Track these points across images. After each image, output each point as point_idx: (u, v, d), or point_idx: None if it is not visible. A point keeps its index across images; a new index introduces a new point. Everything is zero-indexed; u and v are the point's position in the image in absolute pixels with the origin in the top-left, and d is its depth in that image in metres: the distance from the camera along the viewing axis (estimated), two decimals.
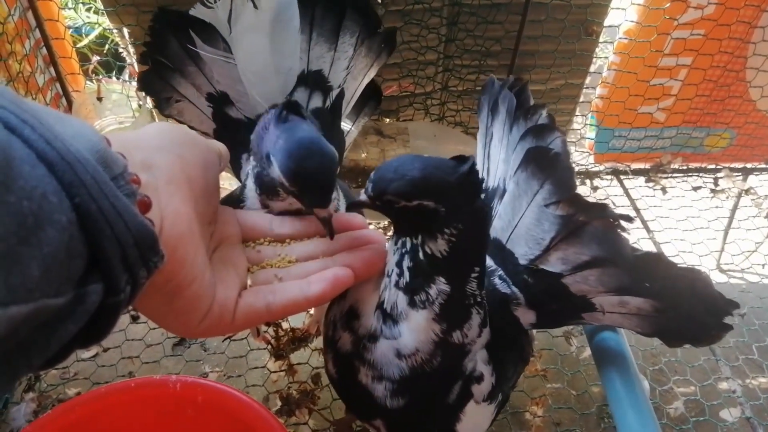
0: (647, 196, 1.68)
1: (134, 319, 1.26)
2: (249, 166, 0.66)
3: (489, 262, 0.72)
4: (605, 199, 1.66)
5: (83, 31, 1.89)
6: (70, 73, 1.37)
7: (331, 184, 0.50)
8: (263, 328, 1.12)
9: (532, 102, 0.73)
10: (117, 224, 0.31)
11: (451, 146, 1.38)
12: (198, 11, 0.80)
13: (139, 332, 1.24)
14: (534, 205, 0.66)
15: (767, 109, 1.61)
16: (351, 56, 0.87)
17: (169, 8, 0.82)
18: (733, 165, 1.74)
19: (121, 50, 1.42)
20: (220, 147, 0.51)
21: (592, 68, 1.52)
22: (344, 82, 0.87)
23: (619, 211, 0.62)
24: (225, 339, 1.24)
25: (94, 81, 1.58)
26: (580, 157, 1.72)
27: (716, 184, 1.72)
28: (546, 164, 0.64)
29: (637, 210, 1.62)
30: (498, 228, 0.72)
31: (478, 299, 0.59)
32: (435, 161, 0.53)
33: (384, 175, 0.51)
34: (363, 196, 0.54)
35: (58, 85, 1.35)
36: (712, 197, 1.69)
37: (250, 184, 0.64)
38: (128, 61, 1.39)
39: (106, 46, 1.83)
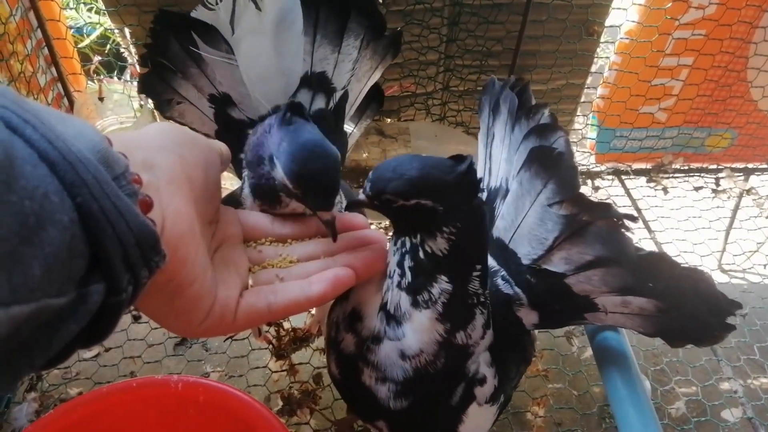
0: (649, 196, 1.68)
1: (136, 318, 1.26)
2: (244, 172, 0.66)
3: (492, 262, 0.72)
4: (606, 199, 1.66)
5: (85, 31, 1.90)
6: (71, 73, 1.38)
7: (336, 186, 0.50)
8: (264, 327, 1.12)
9: (533, 102, 0.73)
10: (119, 224, 0.31)
11: (452, 146, 1.38)
12: (200, 13, 0.79)
13: (141, 332, 1.24)
14: (537, 204, 0.65)
15: None
16: (355, 58, 0.86)
17: (170, 10, 0.82)
18: (734, 165, 1.74)
19: (122, 50, 1.43)
20: (221, 147, 0.51)
21: (594, 68, 1.52)
22: (348, 84, 0.87)
23: (622, 210, 0.61)
24: (226, 339, 1.24)
25: (95, 81, 1.58)
26: (582, 158, 1.72)
27: (718, 185, 1.71)
28: (549, 164, 0.64)
29: (638, 210, 1.62)
30: (501, 228, 0.71)
31: (482, 299, 0.58)
32: (432, 160, 0.53)
33: (382, 174, 0.51)
34: (362, 196, 0.54)
35: (59, 85, 1.35)
36: (714, 197, 1.68)
37: (246, 192, 0.64)
38: (129, 61, 1.40)
39: (108, 46, 1.83)
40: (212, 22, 0.80)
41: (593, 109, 1.63)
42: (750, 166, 1.76)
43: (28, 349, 0.29)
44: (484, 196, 0.77)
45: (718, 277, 1.54)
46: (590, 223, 0.62)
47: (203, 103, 0.84)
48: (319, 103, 0.84)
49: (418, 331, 0.56)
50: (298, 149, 0.48)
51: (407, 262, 0.55)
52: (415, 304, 0.55)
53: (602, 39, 1.45)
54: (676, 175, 1.74)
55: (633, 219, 0.61)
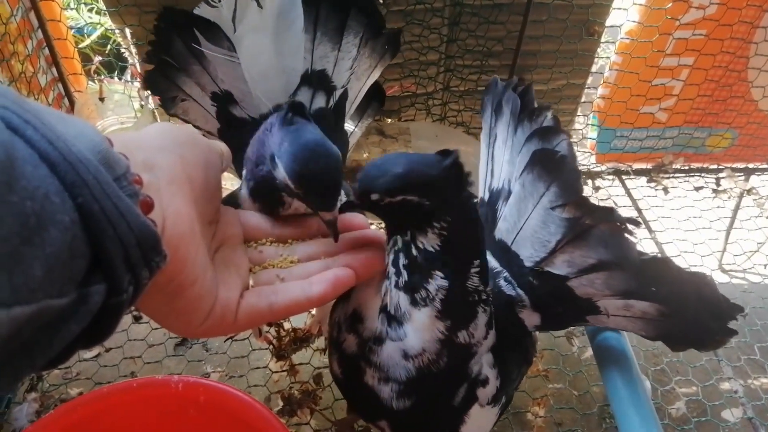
0: (649, 196, 1.68)
1: (137, 319, 1.26)
2: (244, 170, 0.66)
3: (494, 263, 0.72)
4: (607, 199, 1.66)
5: (85, 31, 1.90)
6: (72, 74, 1.38)
7: (338, 186, 0.50)
8: (265, 328, 1.12)
9: (536, 104, 0.72)
10: (119, 224, 0.31)
11: (452, 146, 1.37)
12: (202, 10, 0.80)
13: (141, 332, 1.24)
14: (540, 207, 0.65)
15: None
16: (355, 56, 0.87)
17: (174, 8, 0.82)
18: (735, 165, 1.74)
19: (123, 50, 1.42)
20: (222, 147, 0.51)
21: (594, 68, 1.52)
22: (348, 83, 0.87)
23: (625, 214, 0.61)
24: (227, 339, 1.24)
25: (96, 81, 1.58)
26: (582, 158, 1.72)
27: (718, 185, 1.71)
28: (552, 167, 0.64)
29: (639, 210, 1.62)
30: (503, 230, 0.71)
31: (483, 297, 0.58)
32: (418, 156, 0.53)
33: (368, 173, 0.52)
34: (352, 197, 0.54)
35: (60, 85, 1.35)
36: (714, 197, 1.68)
37: (245, 194, 0.64)
38: (130, 61, 1.40)
39: (108, 47, 1.83)
40: (215, 20, 0.80)
41: (594, 109, 1.63)
42: (750, 166, 1.76)
43: (29, 350, 0.29)
44: (486, 196, 0.76)
45: (719, 277, 1.54)
46: (593, 227, 0.62)
47: (206, 101, 0.84)
48: (320, 101, 0.84)
49: (419, 330, 0.55)
50: (300, 149, 0.48)
51: (401, 261, 0.54)
52: (413, 302, 0.55)
53: (603, 39, 1.45)
54: (676, 175, 1.74)
55: (636, 223, 0.61)
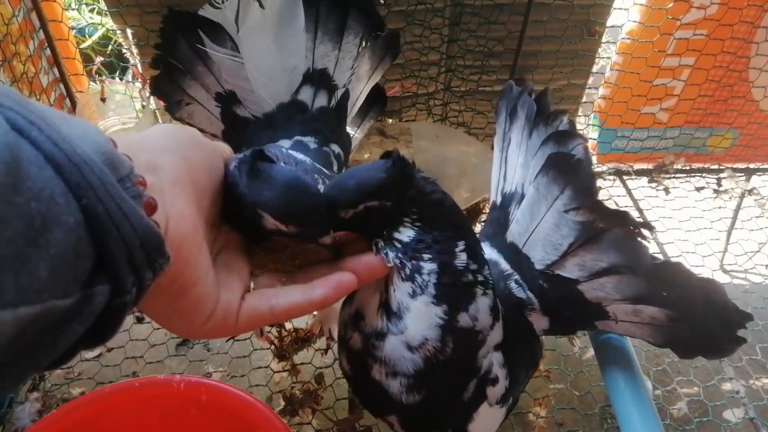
0: (650, 196, 1.68)
1: (139, 320, 1.26)
2: None
3: (505, 266, 0.72)
4: (608, 199, 1.66)
5: (87, 31, 1.90)
6: (73, 74, 1.38)
7: (324, 211, 0.50)
8: (266, 328, 1.12)
9: (552, 108, 0.73)
10: (123, 226, 0.31)
11: (453, 146, 1.38)
12: (206, 11, 0.81)
13: (143, 332, 1.24)
14: (553, 210, 0.66)
15: None
16: (355, 56, 0.88)
17: (178, 10, 0.84)
18: (736, 165, 1.74)
19: (124, 51, 1.42)
20: (225, 148, 0.51)
21: (595, 68, 1.52)
22: (349, 83, 0.88)
23: (639, 219, 0.62)
24: (228, 339, 1.24)
25: (97, 82, 1.58)
26: None
27: (719, 185, 1.71)
28: (567, 170, 0.64)
29: (640, 210, 1.62)
30: (515, 232, 0.72)
31: (479, 278, 0.57)
32: (366, 166, 0.55)
33: (329, 195, 0.53)
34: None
35: (61, 85, 1.35)
36: (715, 198, 1.68)
37: None
38: (131, 61, 1.40)
39: (110, 47, 1.83)
40: (218, 20, 0.81)
41: (595, 110, 1.63)
42: (752, 166, 1.75)
43: (33, 350, 0.29)
44: (498, 200, 0.77)
45: (720, 278, 1.55)
46: (606, 231, 0.62)
47: (211, 104, 0.85)
48: (322, 100, 0.85)
49: (417, 319, 0.55)
50: (281, 193, 0.47)
51: (392, 254, 0.54)
52: (411, 294, 0.55)
53: (604, 39, 1.45)
54: (677, 175, 1.74)
55: (650, 228, 0.62)
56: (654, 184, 1.71)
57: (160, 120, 1.40)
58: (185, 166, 0.42)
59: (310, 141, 0.82)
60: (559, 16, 1.33)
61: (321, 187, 0.56)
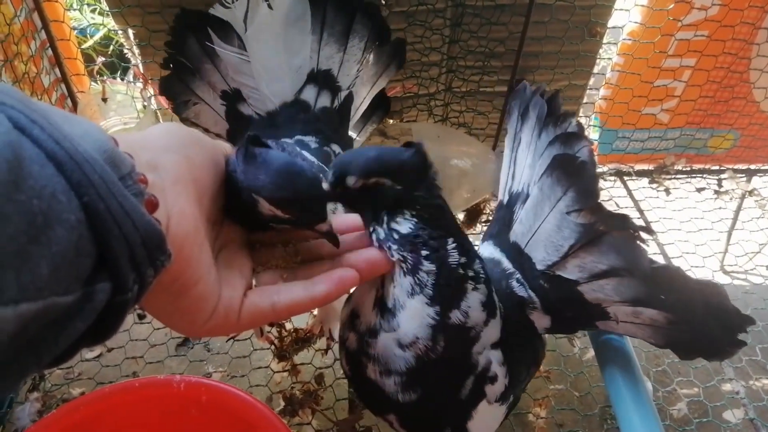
0: (651, 197, 1.68)
1: (140, 318, 1.26)
2: None
3: (507, 264, 0.73)
4: (608, 200, 1.66)
5: (88, 32, 1.90)
6: (75, 74, 1.38)
7: (323, 197, 0.50)
8: (267, 328, 1.12)
9: (562, 110, 0.73)
10: (125, 224, 0.31)
11: (454, 147, 1.38)
12: (217, 11, 0.84)
13: (143, 332, 1.24)
14: (556, 211, 0.66)
15: None
16: (359, 59, 0.89)
17: (190, 9, 0.86)
18: (736, 166, 1.74)
19: (125, 51, 1.43)
20: (227, 147, 0.51)
21: (596, 69, 1.52)
22: (353, 86, 0.88)
23: (639, 223, 0.62)
24: (228, 339, 1.24)
25: (98, 82, 1.58)
26: None
27: (720, 186, 1.71)
28: (571, 172, 0.64)
29: (640, 211, 1.62)
30: (518, 232, 0.72)
31: (470, 273, 0.57)
32: (388, 148, 0.56)
33: (342, 159, 0.54)
34: (325, 185, 0.54)
35: (63, 85, 1.35)
36: (716, 198, 1.68)
37: None
38: (133, 62, 1.40)
39: (111, 47, 1.84)
40: (228, 19, 0.84)
41: (595, 110, 1.63)
42: (752, 167, 1.75)
43: (35, 347, 0.29)
44: (505, 199, 0.77)
45: (721, 279, 1.55)
46: (606, 233, 0.63)
47: (217, 103, 0.87)
48: (324, 100, 0.86)
49: (410, 317, 0.55)
50: (275, 177, 0.47)
51: (394, 247, 0.55)
52: (411, 291, 0.55)
53: (605, 40, 1.45)
54: (678, 176, 1.74)
55: (650, 232, 0.62)
56: (655, 185, 1.70)
57: (161, 120, 1.40)
58: (186, 165, 0.42)
59: (311, 140, 0.83)
60: (561, 17, 1.33)
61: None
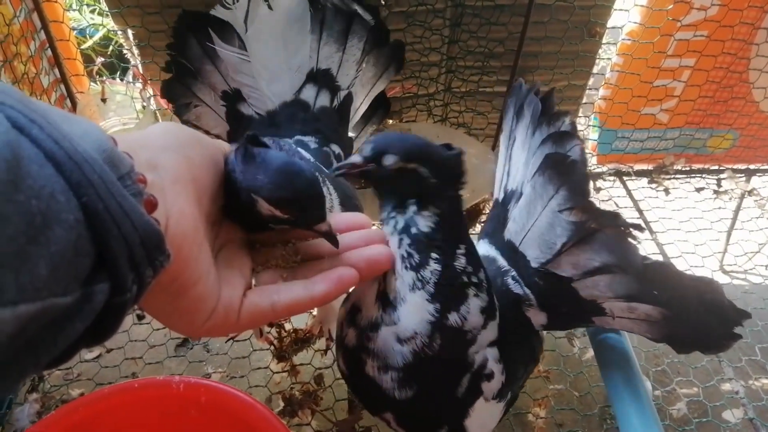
0: (650, 197, 1.68)
1: (140, 318, 1.26)
2: None
3: (503, 262, 0.73)
4: (608, 200, 1.66)
5: (88, 32, 1.90)
6: (74, 75, 1.38)
7: (322, 197, 0.50)
8: (266, 329, 1.12)
9: (556, 108, 0.74)
10: (124, 224, 0.31)
11: None
12: (218, 12, 0.85)
13: (143, 333, 1.24)
14: (548, 209, 0.66)
15: None
16: (359, 60, 0.89)
17: (191, 11, 0.87)
18: (736, 166, 1.74)
19: (125, 52, 1.43)
20: (226, 147, 0.51)
21: (595, 69, 1.52)
22: (352, 86, 0.89)
23: (630, 220, 0.63)
24: (228, 340, 1.24)
25: (98, 82, 1.58)
26: None
27: (719, 186, 1.71)
28: (563, 170, 0.65)
29: (640, 211, 1.62)
30: (512, 230, 0.72)
31: (474, 279, 0.59)
32: (430, 141, 0.58)
33: (387, 137, 0.55)
34: (356, 158, 0.56)
35: (62, 86, 1.35)
36: (715, 198, 1.68)
37: None
38: (132, 62, 1.40)
39: (110, 48, 1.84)
40: (229, 20, 0.85)
41: (595, 111, 1.63)
42: (752, 167, 1.76)
43: (34, 348, 0.29)
44: (501, 197, 0.78)
45: (720, 278, 1.54)
46: (598, 231, 0.63)
47: (217, 105, 0.88)
48: (324, 99, 0.86)
49: (411, 312, 0.56)
50: (274, 176, 0.47)
51: (406, 240, 0.56)
52: (412, 286, 0.56)
53: (604, 40, 1.45)
54: (677, 176, 1.74)
55: (640, 229, 0.63)
56: (654, 185, 1.71)
57: (160, 120, 1.40)
58: (186, 164, 0.42)
59: (311, 140, 0.83)
60: (560, 17, 1.33)
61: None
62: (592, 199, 0.63)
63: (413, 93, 1.47)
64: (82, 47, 1.77)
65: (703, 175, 1.75)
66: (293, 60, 0.85)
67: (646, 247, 1.49)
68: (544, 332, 0.78)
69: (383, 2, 1.26)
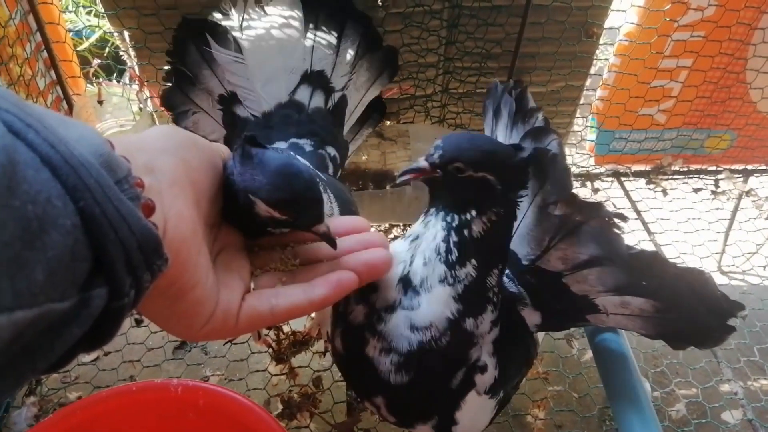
0: (648, 198, 1.68)
1: (138, 322, 1.26)
2: None
3: None
4: (606, 201, 1.66)
5: (84, 34, 1.89)
6: (70, 77, 1.37)
7: (321, 198, 0.50)
8: (264, 331, 1.12)
9: (530, 106, 0.74)
10: (121, 228, 0.31)
11: None
12: (215, 17, 0.88)
13: (140, 336, 1.24)
14: (534, 205, 0.67)
15: (767, 111, 1.61)
16: (352, 62, 0.91)
17: (191, 18, 0.90)
18: (733, 167, 1.74)
19: (121, 53, 1.42)
20: (224, 150, 0.51)
21: (593, 70, 1.52)
22: (346, 88, 0.90)
23: (613, 209, 0.63)
24: (226, 342, 1.24)
25: (94, 84, 1.58)
26: (581, 159, 1.72)
27: (717, 186, 1.72)
28: (545, 165, 0.65)
29: (638, 212, 1.62)
30: None
31: (494, 299, 0.61)
32: (500, 143, 0.59)
33: (459, 143, 0.55)
34: (422, 163, 0.56)
35: (58, 88, 1.35)
36: (713, 199, 1.69)
37: None
38: (129, 64, 1.39)
39: (107, 49, 1.83)
40: (225, 24, 0.87)
41: (592, 111, 1.63)
42: (749, 167, 1.76)
43: (30, 354, 0.28)
44: None
45: (718, 279, 1.54)
46: (583, 223, 0.64)
47: (214, 111, 0.90)
48: (318, 100, 0.88)
49: (433, 303, 0.57)
50: (273, 178, 0.46)
51: (453, 238, 0.57)
52: (443, 278, 0.57)
53: (601, 41, 1.45)
54: (675, 176, 1.74)
55: (623, 218, 0.63)
56: (652, 186, 1.71)
57: (157, 122, 1.40)
58: (184, 167, 0.42)
59: (306, 143, 0.83)
60: (557, 18, 1.33)
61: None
62: (574, 192, 0.64)
63: (411, 94, 1.47)
64: (79, 49, 1.76)
65: (701, 176, 1.75)
66: (288, 62, 0.87)
67: (644, 247, 1.49)
68: (542, 334, 0.78)
69: (380, 3, 1.25)
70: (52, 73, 1.32)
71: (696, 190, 1.71)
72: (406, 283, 0.58)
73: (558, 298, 0.70)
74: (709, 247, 1.56)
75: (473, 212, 0.57)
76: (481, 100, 1.47)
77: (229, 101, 0.88)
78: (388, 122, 1.50)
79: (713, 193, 1.70)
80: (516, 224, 0.69)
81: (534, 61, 1.42)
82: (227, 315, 0.45)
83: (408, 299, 0.58)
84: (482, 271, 0.58)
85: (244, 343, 1.23)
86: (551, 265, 0.68)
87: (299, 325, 1.17)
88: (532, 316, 0.72)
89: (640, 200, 1.67)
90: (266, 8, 0.88)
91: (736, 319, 0.71)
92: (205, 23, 0.87)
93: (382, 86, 0.98)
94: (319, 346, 1.16)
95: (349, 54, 0.92)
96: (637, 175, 1.74)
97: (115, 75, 1.59)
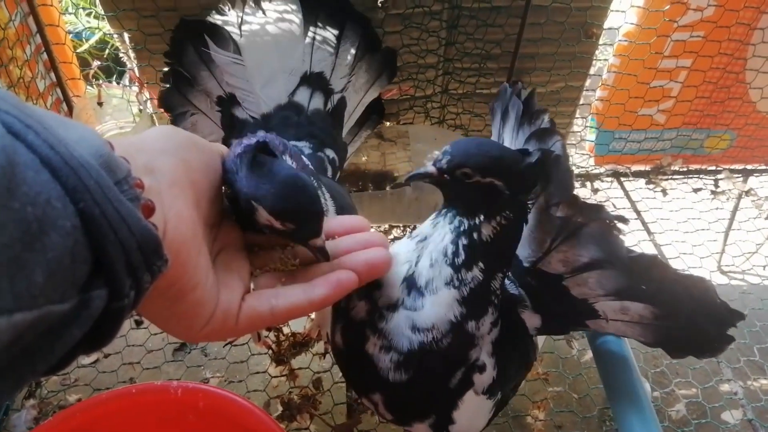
0: (648, 198, 1.68)
1: (137, 323, 1.26)
2: None
3: None
4: (606, 201, 1.66)
5: (84, 36, 1.89)
6: (70, 78, 1.37)
7: (322, 213, 0.50)
8: (264, 332, 1.12)
9: (537, 108, 0.74)
10: (121, 229, 0.31)
11: None
12: (214, 18, 0.88)
13: (140, 338, 1.23)
14: (536, 207, 0.67)
15: (767, 111, 1.61)
16: (351, 64, 0.90)
17: (189, 19, 0.89)
18: (733, 166, 1.74)
19: (121, 55, 1.42)
20: (223, 150, 0.51)
21: (592, 70, 1.52)
22: (345, 90, 0.90)
23: (615, 212, 0.63)
24: (226, 344, 1.24)
25: (94, 86, 1.57)
26: (581, 160, 1.72)
27: (717, 186, 1.72)
28: (548, 167, 0.65)
29: (637, 212, 1.62)
30: None
31: (496, 301, 0.61)
32: (506, 148, 0.59)
33: (467, 149, 0.55)
34: (430, 168, 0.57)
35: (58, 90, 1.35)
36: (713, 199, 1.69)
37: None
38: (129, 65, 1.39)
39: (107, 51, 1.83)
40: (224, 25, 0.87)
41: (592, 112, 1.63)
42: (749, 167, 1.76)
43: (30, 356, 0.28)
44: None
45: (718, 279, 1.55)
46: (584, 225, 0.64)
47: (213, 112, 0.90)
48: (317, 102, 0.87)
49: (437, 305, 0.57)
50: (280, 188, 0.47)
51: (462, 241, 0.57)
52: (449, 281, 0.57)
53: (601, 41, 1.45)
54: (675, 176, 1.74)
55: (624, 221, 0.63)
56: (651, 186, 1.71)
57: (157, 124, 1.40)
58: (183, 168, 0.42)
59: (305, 146, 0.83)
60: (557, 19, 1.33)
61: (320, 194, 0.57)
62: (576, 194, 0.64)
63: (410, 95, 1.47)
64: (78, 51, 1.76)
65: (701, 176, 1.75)
66: (287, 63, 0.87)
67: (644, 248, 1.49)
68: (543, 337, 0.78)
69: (380, 4, 1.26)
70: (52, 75, 1.32)
71: (696, 190, 1.71)
72: (410, 283, 0.58)
73: (558, 301, 0.70)
74: (709, 247, 1.55)
75: (482, 216, 0.57)
76: (481, 101, 1.49)
77: (227, 103, 0.87)
78: (388, 123, 1.50)
79: (713, 193, 1.70)
80: None
81: (533, 61, 1.42)
82: (227, 315, 0.45)
83: (411, 299, 0.58)
84: (488, 275, 0.59)
85: (243, 344, 1.23)
86: (552, 267, 0.69)
87: (299, 326, 1.17)
88: (532, 319, 0.72)
89: (640, 200, 1.67)
90: (265, 9, 0.87)
91: (737, 329, 0.71)
92: (203, 24, 0.86)
93: (381, 88, 0.98)
94: (319, 347, 1.16)
95: (349, 55, 0.92)
96: (637, 175, 1.74)
97: (114, 77, 1.59)
